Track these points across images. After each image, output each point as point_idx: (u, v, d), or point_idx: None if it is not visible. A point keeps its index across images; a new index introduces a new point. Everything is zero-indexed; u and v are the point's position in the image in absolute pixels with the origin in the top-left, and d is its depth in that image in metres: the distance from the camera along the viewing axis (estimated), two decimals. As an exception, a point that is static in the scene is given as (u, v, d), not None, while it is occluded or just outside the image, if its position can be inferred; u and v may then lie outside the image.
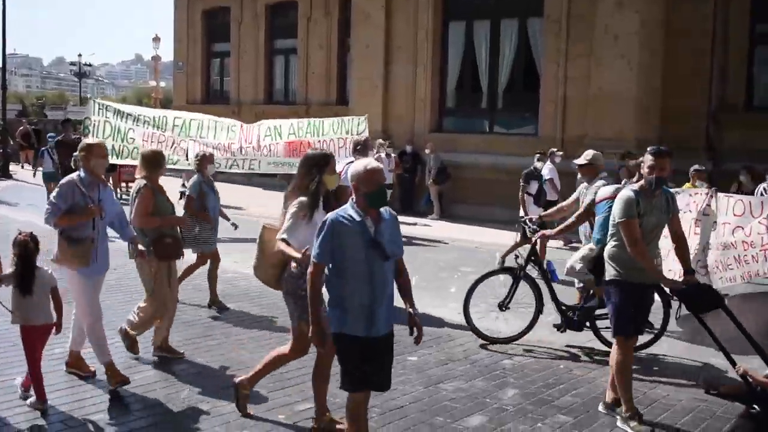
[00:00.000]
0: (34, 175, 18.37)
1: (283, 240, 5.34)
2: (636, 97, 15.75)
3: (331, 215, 4.64)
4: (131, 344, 7.12)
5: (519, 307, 8.29)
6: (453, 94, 19.34)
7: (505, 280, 8.33)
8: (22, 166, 29.47)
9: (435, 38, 18.74)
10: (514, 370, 7.18)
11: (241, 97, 26.21)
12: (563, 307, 8.05)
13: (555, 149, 14.93)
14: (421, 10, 18.70)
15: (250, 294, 10.00)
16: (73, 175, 6.12)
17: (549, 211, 9.12)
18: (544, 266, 8.36)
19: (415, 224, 16.92)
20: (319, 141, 13.50)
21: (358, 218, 4.57)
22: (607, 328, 7.00)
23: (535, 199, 13.25)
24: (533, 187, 13.29)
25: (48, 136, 19.74)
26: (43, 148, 18.13)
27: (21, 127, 30.76)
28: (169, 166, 14.38)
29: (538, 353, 7.78)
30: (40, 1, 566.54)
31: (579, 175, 9.00)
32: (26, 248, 5.72)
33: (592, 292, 7.80)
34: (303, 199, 5.49)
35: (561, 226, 8.37)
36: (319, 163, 5.62)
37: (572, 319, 7.96)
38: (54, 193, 6.01)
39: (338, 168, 13.62)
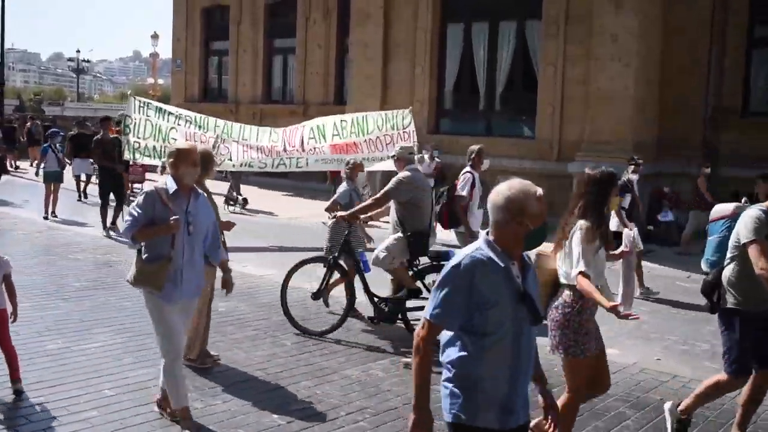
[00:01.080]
0: (37, 173, 17.58)
1: (583, 274, 4.71)
2: (634, 98, 15.76)
3: (464, 254, 3.29)
4: (202, 362, 6.85)
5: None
6: (451, 96, 19.35)
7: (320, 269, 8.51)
8: (31, 164, 28.44)
9: (434, 39, 18.75)
10: (509, 373, 7.16)
11: (239, 95, 26.19)
12: (375, 299, 8.07)
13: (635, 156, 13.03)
14: (421, 11, 18.71)
15: (245, 293, 9.98)
16: (158, 183, 5.48)
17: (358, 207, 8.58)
18: (357, 257, 8.36)
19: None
20: (365, 140, 13.31)
21: (501, 263, 3.25)
22: (417, 320, 6.97)
23: (627, 213, 11.53)
24: (626, 200, 11.66)
25: (50, 131, 18.16)
26: (45, 145, 16.95)
27: (27, 123, 30.05)
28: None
29: (533, 356, 7.76)
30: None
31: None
32: None
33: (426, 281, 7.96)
34: (585, 222, 4.86)
35: (358, 206, 8.44)
36: (606, 183, 5.07)
37: (384, 310, 8.00)
38: (134, 204, 5.36)
39: (384, 167, 13.39)
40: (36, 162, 24.05)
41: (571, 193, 13.43)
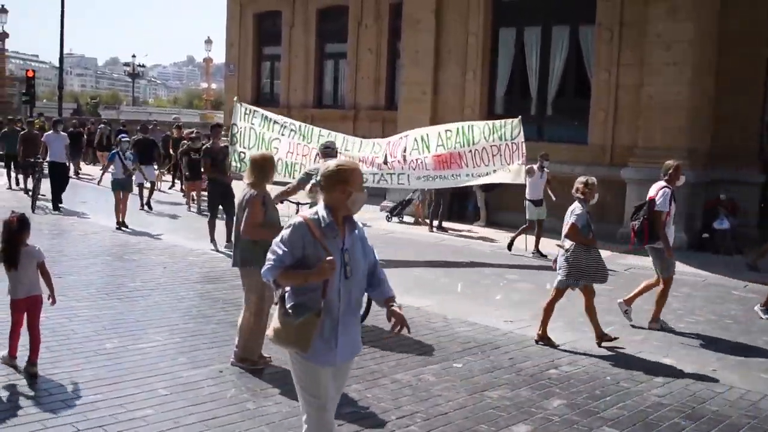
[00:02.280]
0: (99, 182, 16.99)
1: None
2: (688, 105, 15.50)
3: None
4: (253, 363, 6.98)
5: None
6: (502, 101, 19.23)
7: None
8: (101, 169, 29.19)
9: (485, 44, 18.67)
10: (560, 380, 7.11)
11: (290, 100, 26.42)
12: None
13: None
14: (472, 16, 18.65)
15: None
16: (309, 213, 4.30)
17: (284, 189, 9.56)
18: None
19: (456, 230, 16.89)
20: (470, 151, 12.76)
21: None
22: None
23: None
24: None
25: (119, 137, 17.50)
26: (113, 151, 16.08)
27: (100, 126, 29.66)
28: (293, 181, 13.83)
29: (585, 364, 7.69)
30: (96, 3, 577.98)
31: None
32: (10, 227, 6.48)
33: None
34: None
35: (285, 189, 9.49)
36: None
37: None
38: (278, 239, 4.25)
39: (492, 180, 13.34)
40: (102, 168, 24.15)
41: (623, 199, 13.40)
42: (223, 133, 19.82)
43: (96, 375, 6.49)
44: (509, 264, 13.22)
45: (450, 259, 13.53)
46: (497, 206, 17.74)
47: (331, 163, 4.30)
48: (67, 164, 18.98)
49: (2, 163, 23.43)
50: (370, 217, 17.53)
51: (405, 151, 12.82)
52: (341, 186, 4.18)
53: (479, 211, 17.92)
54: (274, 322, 4.30)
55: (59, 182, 17.65)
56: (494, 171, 12.95)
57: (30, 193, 18.16)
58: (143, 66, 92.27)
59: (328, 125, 24.47)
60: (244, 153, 12.72)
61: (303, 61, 26.04)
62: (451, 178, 13.32)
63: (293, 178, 13.19)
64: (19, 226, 6.50)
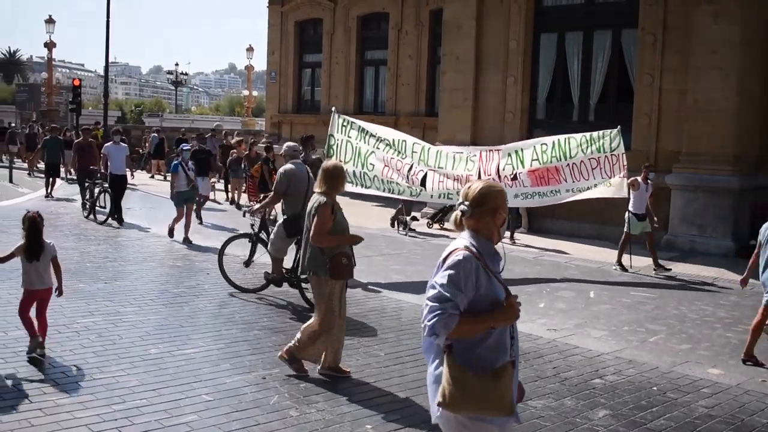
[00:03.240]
0: (172, 197, 14.97)
1: None
2: (734, 110, 15.22)
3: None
4: (299, 368, 6.97)
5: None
6: (543, 106, 19.10)
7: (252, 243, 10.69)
8: (152, 176, 29.15)
9: (526, 49, 18.56)
10: (605, 390, 7.02)
11: (331, 107, 26.46)
12: (283, 270, 10.09)
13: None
14: (513, 22, 18.56)
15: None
16: (467, 241, 3.64)
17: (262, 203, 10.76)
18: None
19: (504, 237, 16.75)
20: (568, 165, 12.09)
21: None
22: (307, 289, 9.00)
23: None
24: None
25: (181, 146, 16.36)
26: (176, 162, 14.89)
27: (153, 134, 29.96)
28: (391, 196, 13.35)
29: (630, 374, 7.58)
30: (140, 13, 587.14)
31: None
32: (34, 222, 7.16)
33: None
34: None
35: (263, 202, 10.64)
36: None
37: (288, 278, 10.00)
38: (444, 278, 3.48)
39: (592, 195, 12.53)
40: (158, 173, 23.88)
41: (668, 204, 13.20)
42: (262, 143, 20.16)
43: (141, 380, 6.57)
44: (626, 282, 12.38)
45: (544, 276, 12.79)
46: (539, 213, 17.58)
47: (477, 187, 3.74)
48: (128, 176, 18.29)
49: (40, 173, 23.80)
50: (412, 223, 17.51)
51: (499, 167, 12.25)
52: (494, 211, 3.71)
53: (521, 218, 17.79)
54: (449, 386, 3.49)
55: (121, 195, 16.85)
56: (595, 185, 12.26)
57: (86, 206, 17.48)
58: (186, 74, 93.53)
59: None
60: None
61: (343, 68, 26.15)
62: (550, 195, 12.57)
63: (391, 193, 12.99)
64: (41, 222, 7.22)
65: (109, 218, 16.43)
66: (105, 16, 33.22)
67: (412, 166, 12.46)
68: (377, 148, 12.41)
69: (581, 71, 18.06)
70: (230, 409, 6.06)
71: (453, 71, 19.52)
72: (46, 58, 54.92)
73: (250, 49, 55.75)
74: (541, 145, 12.34)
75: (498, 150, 12.54)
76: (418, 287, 11.23)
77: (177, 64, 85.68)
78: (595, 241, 15.90)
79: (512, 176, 12.21)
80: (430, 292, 3.51)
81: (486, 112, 19.04)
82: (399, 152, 12.47)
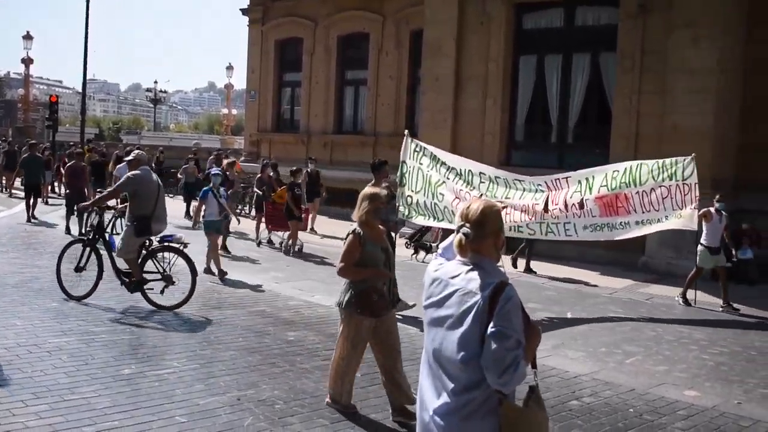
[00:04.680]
0: (195, 224, 13.35)
1: None
2: (712, 134, 15.35)
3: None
4: (347, 407, 6.59)
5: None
6: (522, 128, 19.19)
7: (81, 248, 10.65)
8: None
9: (506, 71, 18.67)
10: (582, 412, 6.99)
11: (310, 126, 26.53)
12: (122, 275, 10.37)
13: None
14: (493, 43, 18.67)
15: (314, 322, 10.00)
16: (504, 275, 3.57)
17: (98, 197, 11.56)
18: (107, 239, 10.73)
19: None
20: (638, 192, 11.27)
21: None
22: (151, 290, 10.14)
23: None
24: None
25: (210, 171, 14.84)
26: (206, 189, 13.61)
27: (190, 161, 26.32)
28: (451, 226, 12.54)
29: (607, 395, 7.56)
30: (119, 30, 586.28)
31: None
32: None
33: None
34: None
35: (99, 196, 11.28)
36: None
37: (127, 283, 10.29)
38: (511, 320, 3.36)
39: (660, 228, 11.67)
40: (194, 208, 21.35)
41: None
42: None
43: (113, 401, 6.45)
44: (696, 320, 11.64)
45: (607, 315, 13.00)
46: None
47: (477, 207, 3.60)
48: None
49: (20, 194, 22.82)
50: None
51: (567, 195, 11.38)
52: (496, 233, 3.61)
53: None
54: (535, 423, 3.58)
55: None
56: (666, 217, 11.43)
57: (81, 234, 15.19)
58: (165, 92, 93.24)
59: (348, 151, 24.90)
60: (412, 197, 11.74)
61: (323, 88, 26.17)
62: (619, 228, 11.59)
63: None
64: None
65: None
66: (84, 32, 33.10)
67: (480, 198, 11.88)
68: (447, 177, 11.63)
69: (560, 93, 18.19)
70: (204, 431, 5.96)
71: (433, 92, 19.59)
72: (23, 74, 54.67)
73: (229, 68, 55.91)
74: (613, 171, 11.55)
75: (567, 177, 11.68)
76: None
77: (156, 82, 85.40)
78: (575, 263, 15.90)
79: (579, 203, 11.30)
80: (501, 341, 3.30)
81: (465, 132, 19.10)
82: (468, 183, 11.65)
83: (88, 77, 34.64)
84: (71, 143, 32.76)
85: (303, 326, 9.77)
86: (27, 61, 49.71)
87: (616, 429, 6.57)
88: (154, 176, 10.69)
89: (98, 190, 17.22)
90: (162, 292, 10.31)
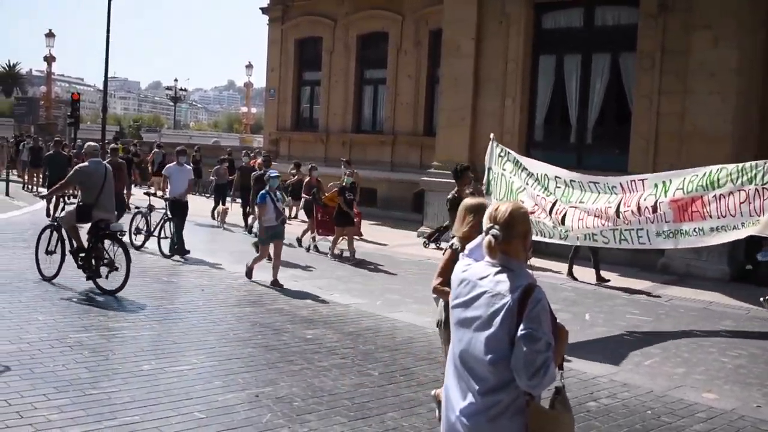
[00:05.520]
0: (250, 230, 14.10)
1: None
2: (732, 134, 15.26)
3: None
4: None
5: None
6: (541, 128, 19.14)
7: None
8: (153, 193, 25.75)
9: (525, 71, 18.63)
10: (599, 413, 6.98)
11: (329, 125, 26.61)
12: (77, 257, 11.15)
13: None
14: (512, 43, 18.64)
15: (332, 320, 10.05)
16: (527, 276, 3.54)
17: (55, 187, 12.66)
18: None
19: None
20: (715, 196, 10.54)
21: None
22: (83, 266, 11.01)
23: None
24: None
25: (268, 173, 13.41)
26: (263, 192, 12.59)
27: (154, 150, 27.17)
28: (542, 239, 11.40)
29: (624, 397, 7.55)
30: (140, 28, 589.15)
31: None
32: None
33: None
34: None
35: (56, 186, 12.35)
36: None
37: (79, 263, 11.06)
38: (542, 322, 3.37)
39: (747, 233, 10.57)
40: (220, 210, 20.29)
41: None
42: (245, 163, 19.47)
43: (133, 396, 6.53)
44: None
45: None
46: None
47: (505, 209, 3.60)
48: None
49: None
50: (408, 243, 17.54)
51: (641, 198, 10.73)
52: (524, 234, 3.62)
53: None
54: (562, 424, 3.60)
55: (183, 223, 14.83)
56: (742, 224, 10.57)
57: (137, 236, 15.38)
58: (185, 90, 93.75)
59: (367, 150, 24.95)
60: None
61: (342, 87, 26.24)
62: (693, 234, 10.84)
63: (542, 236, 11.35)
64: None
65: (174, 253, 14.46)
66: (105, 30, 33.36)
67: (555, 203, 11.08)
68: (527, 183, 11.18)
69: (579, 93, 18.13)
70: (222, 427, 6.01)
71: (451, 91, 19.58)
72: (45, 72, 55.19)
73: (249, 66, 56.04)
74: (692, 175, 10.85)
75: (643, 180, 11.06)
76: (413, 306, 11.21)
77: (176, 80, 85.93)
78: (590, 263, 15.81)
79: (653, 207, 10.64)
80: (531, 343, 3.32)
81: (484, 132, 18.99)
82: (544, 188, 11.21)
83: (109, 75, 34.88)
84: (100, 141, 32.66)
85: (321, 324, 9.82)
86: (49, 59, 50.22)
87: (633, 431, 6.56)
88: (105, 168, 11.46)
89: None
90: (107, 276, 10.87)
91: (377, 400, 6.87)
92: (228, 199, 20.78)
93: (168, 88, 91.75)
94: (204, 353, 8.12)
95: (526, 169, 11.21)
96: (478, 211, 5.44)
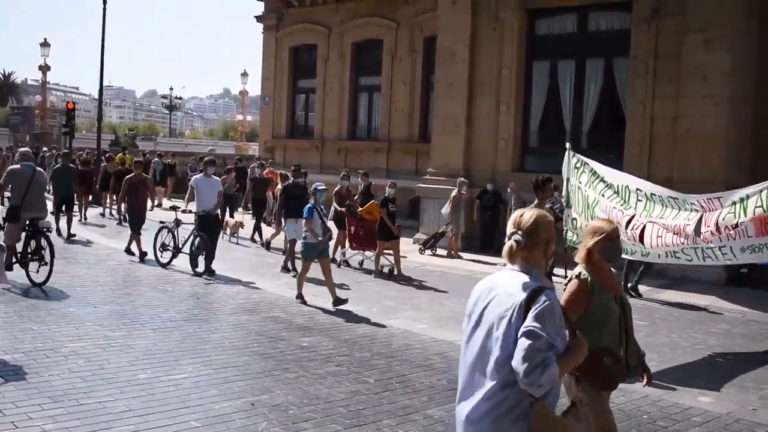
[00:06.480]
0: (269, 246, 13.75)
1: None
2: (725, 138, 15.32)
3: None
4: None
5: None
6: (536, 134, 19.19)
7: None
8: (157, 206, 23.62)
9: (519, 77, 18.68)
10: (595, 418, 6.97)
11: (324, 132, 26.63)
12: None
13: None
14: (506, 49, 18.69)
15: (328, 328, 10.04)
16: (540, 279, 3.55)
17: None
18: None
19: (491, 263, 16.76)
20: None
21: None
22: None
23: None
24: None
25: (317, 188, 12.27)
26: (309, 206, 11.84)
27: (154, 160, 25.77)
28: (624, 256, 10.57)
29: (621, 402, 7.54)
30: (135, 36, 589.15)
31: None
32: None
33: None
34: None
35: None
36: None
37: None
38: (543, 321, 3.35)
39: None
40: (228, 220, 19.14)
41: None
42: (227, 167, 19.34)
43: (129, 406, 6.51)
44: None
45: None
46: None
47: (530, 216, 3.63)
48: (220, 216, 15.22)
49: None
50: (404, 249, 17.51)
51: (719, 216, 10.06)
52: (547, 242, 3.65)
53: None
54: None
55: (213, 239, 13.96)
56: None
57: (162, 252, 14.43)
58: (180, 98, 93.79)
59: (362, 157, 24.97)
60: (577, 220, 10.65)
61: (337, 94, 26.27)
62: None
63: (624, 253, 10.43)
64: None
65: (206, 271, 13.51)
66: (100, 39, 33.35)
67: (633, 217, 10.33)
68: (603, 195, 10.48)
69: (573, 99, 18.19)
70: (218, 436, 6.01)
71: (446, 98, 19.61)
72: (40, 81, 55.16)
73: (244, 74, 56.05)
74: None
75: (719, 197, 10.39)
76: (409, 313, 11.22)
77: (171, 88, 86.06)
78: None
79: (733, 225, 9.98)
80: (531, 340, 3.31)
81: (478, 138, 19.12)
82: (624, 201, 10.40)
83: (104, 84, 34.84)
84: (106, 151, 32.11)
85: (317, 332, 9.81)
86: (44, 68, 50.13)
87: (629, 435, 6.57)
88: (34, 170, 12.23)
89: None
90: (37, 270, 11.61)
91: (373, 408, 6.87)
92: (240, 210, 20.62)
93: (163, 97, 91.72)
94: (199, 362, 8.11)
95: (604, 180, 10.58)
96: (598, 231, 4.96)
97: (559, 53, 18.46)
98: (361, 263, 15.65)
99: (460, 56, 19.19)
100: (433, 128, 20.74)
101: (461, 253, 17.51)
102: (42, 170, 13.01)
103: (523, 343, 3.30)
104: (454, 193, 17.39)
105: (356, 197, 16.54)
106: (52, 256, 11.67)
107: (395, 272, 14.70)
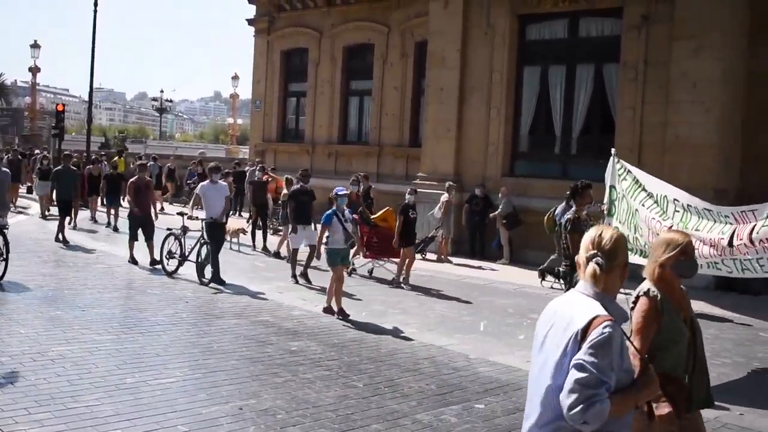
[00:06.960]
0: (278, 254, 13.43)
1: None
2: (715, 144, 15.39)
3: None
4: None
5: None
6: (526, 138, 19.24)
7: None
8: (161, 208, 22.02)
9: (509, 82, 18.72)
10: (584, 423, 6.97)
11: (315, 136, 26.60)
12: None
13: None
14: (497, 54, 18.72)
15: (317, 332, 10.02)
16: (600, 302, 3.26)
17: None
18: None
19: (480, 267, 16.79)
20: None
21: None
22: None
23: None
24: None
25: (336, 191, 12.03)
26: (330, 212, 11.49)
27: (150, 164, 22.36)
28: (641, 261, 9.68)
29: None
30: (125, 39, 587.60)
31: None
32: None
33: None
34: None
35: None
36: None
37: None
38: (595, 356, 3.08)
39: None
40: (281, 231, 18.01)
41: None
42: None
43: (116, 410, 6.48)
44: None
45: (477, 298, 13.34)
46: (521, 244, 17.65)
47: (610, 236, 3.34)
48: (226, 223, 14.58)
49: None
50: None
51: (754, 229, 9.77)
52: (624, 265, 3.36)
53: (502, 249, 17.83)
54: None
55: (218, 247, 13.60)
56: None
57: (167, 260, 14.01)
58: (171, 101, 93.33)
59: (353, 161, 24.96)
60: (619, 229, 9.80)
61: (328, 98, 26.26)
62: None
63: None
64: None
65: (212, 281, 13.06)
66: (91, 41, 33.28)
67: (670, 229, 9.70)
68: (642, 204, 10.13)
69: (564, 104, 18.23)
70: (205, 440, 5.98)
71: (437, 102, 19.64)
72: (30, 83, 54.91)
73: (235, 78, 55.89)
74: None
75: (753, 210, 10.04)
76: (398, 317, 11.20)
77: (162, 91, 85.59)
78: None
79: (765, 238, 9.68)
80: (579, 374, 3.06)
81: (469, 143, 19.15)
82: (663, 211, 10.05)
83: (94, 86, 34.73)
84: (102, 153, 31.70)
85: (306, 336, 9.79)
86: (34, 70, 49.89)
87: (617, 440, 6.56)
88: (6, 173, 12.74)
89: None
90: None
91: (362, 412, 6.85)
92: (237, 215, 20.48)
93: (154, 99, 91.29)
94: (187, 366, 8.08)
95: (645, 189, 10.19)
96: (669, 245, 4.51)
97: (550, 59, 18.52)
98: (370, 272, 15.25)
99: (451, 61, 19.22)
100: (423, 133, 20.76)
101: (450, 258, 17.53)
102: (7, 170, 13.25)
103: (572, 376, 3.08)
104: (445, 197, 17.41)
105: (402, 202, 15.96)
106: (8, 252, 12.04)
107: (404, 282, 14.19)
